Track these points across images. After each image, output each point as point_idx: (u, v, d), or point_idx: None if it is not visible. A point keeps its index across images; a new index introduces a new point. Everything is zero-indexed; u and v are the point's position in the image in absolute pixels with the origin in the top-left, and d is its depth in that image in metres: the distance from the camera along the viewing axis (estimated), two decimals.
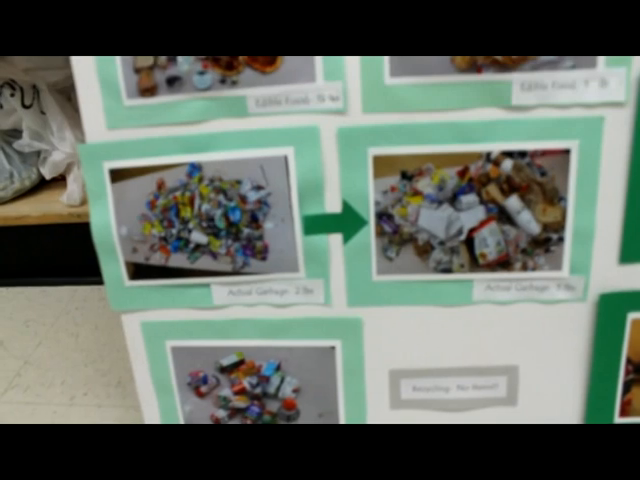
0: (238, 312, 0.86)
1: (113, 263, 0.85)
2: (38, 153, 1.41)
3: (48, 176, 1.40)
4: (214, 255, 0.82)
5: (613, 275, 0.80)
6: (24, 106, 1.35)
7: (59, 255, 1.52)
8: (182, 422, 0.94)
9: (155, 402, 0.94)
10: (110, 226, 0.82)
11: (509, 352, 0.85)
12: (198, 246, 0.82)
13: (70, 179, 1.38)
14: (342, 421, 0.91)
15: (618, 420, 0.88)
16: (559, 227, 0.78)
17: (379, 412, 0.90)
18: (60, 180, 1.42)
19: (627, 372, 0.86)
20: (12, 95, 1.34)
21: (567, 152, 0.74)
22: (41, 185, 1.45)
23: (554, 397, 0.88)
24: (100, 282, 0.87)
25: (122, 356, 0.93)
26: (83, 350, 1.28)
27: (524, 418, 0.89)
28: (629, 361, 0.85)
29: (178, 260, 0.83)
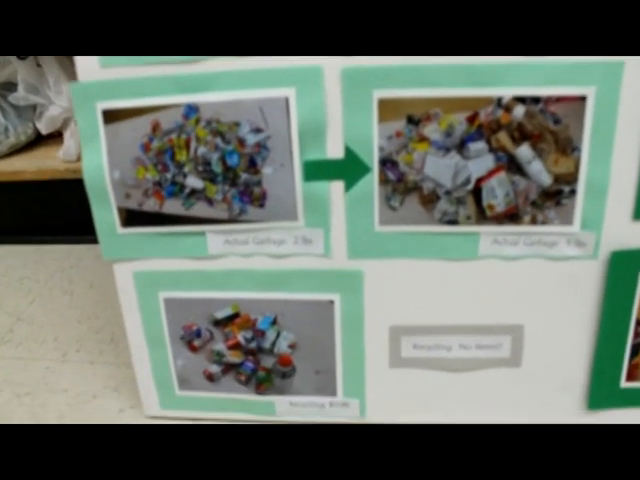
0: (234, 262, 0.83)
1: (105, 209, 0.82)
2: (34, 108, 1.38)
3: (44, 131, 1.37)
4: (210, 201, 0.79)
5: (626, 232, 0.77)
6: (19, 57, 1.31)
7: (55, 213, 1.49)
8: (174, 378, 0.92)
9: (147, 357, 0.91)
10: (102, 170, 0.79)
11: (514, 310, 0.82)
12: (193, 192, 0.79)
13: (67, 134, 1.35)
14: (339, 379, 0.88)
15: (624, 385, 0.86)
16: (571, 179, 0.74)
17: (378, 371, 0.87)
18: (57, 136, 1.39)
19: (636, 334, 0.83)
20: None
21: (583, 99, 0.71)
22: (37, 141, 1.42)
23: (559, 359, 0.85)
24: (97, 240, 0.84)
25: (116, 314, 0.90)
26: (77, 308, 1.26)
27: (528, 380, 0.86)
28: (638, 323, 0.82)
29: (172, 206, 0.80)
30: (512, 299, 0.82)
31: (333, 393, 0.89)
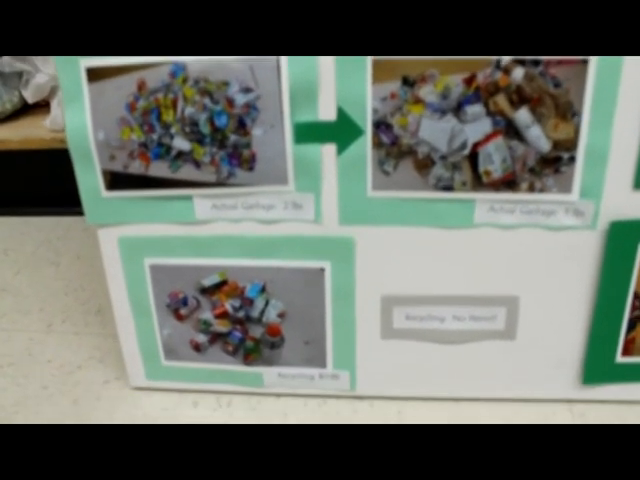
0: (222, 228, 0.80)
1: (89, 172, 0.79)
2: (20, 75, 1.34)
3: (31, 100, 1.34)
4: (197, 164, 0.76)
5: (626, 202, 0.75)
6: None
7: (42, 183, 1.46)
8: (160, 347, 0.90)
9: (132, 326, 0.89)
10: (86, 130, 0.76)
11: (510, 281, 0.80)
12: (180, 154, 0.76)
13: (54, 103, 1.32)
14: (329, 350, 0.86)
15: (620, 359, 0.84)
16: (571, 145, 0.72)
17: (369, 342, 0.85)
18: (44, 106, 1.36)
19: (633, 308, 0.81)
20: None
21: (585, 62, 0.68)
22: (24, 110, 1.38)
23: (555, 332, 0.83)
24: (84, 212, 0.82)
25: (104, 286, 0.87)
26: (63, 279, 1.23)
27: (522, 353, 0.84)
28: (636, 296, 0.80)
29: (159, 169, 0.77)
30: (508, 269, 0.80)
31: (323, 364, 0.87)
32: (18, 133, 1.31)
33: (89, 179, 0.79)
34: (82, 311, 1.14)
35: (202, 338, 0.88)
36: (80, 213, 0.83)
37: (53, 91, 1.32)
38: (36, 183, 1.46)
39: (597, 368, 0.85)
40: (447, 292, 0.81)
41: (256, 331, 0.86)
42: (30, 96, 1.33)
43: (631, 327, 0.82)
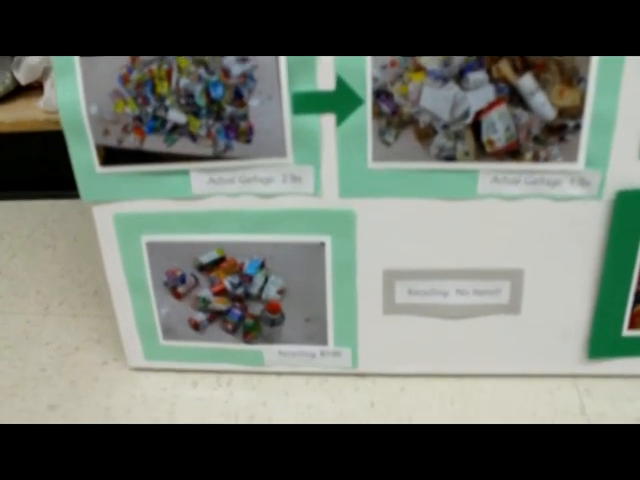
0: (219, 203, 0.79)
1: (83, 147, 0.77)
2: (12, 56, 1.32)
3: (23, 81, 1.31)
4: (193, 137, 0.74)
5: (633, 171, 0.73)
6: None
7: (36, 167, 1.43)
8: (158, 327, 0.88)
9: (130, 305, 0.88)
10: (79, 104, 0.74)
11: (514, 254, 0.79)
12: (176, 127, 0.74)
13: (47, 84, 1.29)
14: (330, 327, 0.84)
15: (626, 333, 0.83)
16: (577, 112, 0.70)
17: (371, 318, 0.84)
18: (37, 88, 1.33)
19: None
20: None
21: None
22: (16, 92, 1.36)
23: (560, 306, 0.82)
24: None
25: (101, 268, 0.86)
26: (60, 262, 1.22)
27: (526, 328, 0.83)
28: None
29: (154, 143, 0.75)
30: (512, 242, 0.78)
31: (324, 342, 0.86)
32: (11, 115, 1.29)
33: (83, 155, 0.77)
34: (79, 293, 1.12)
35: (201, 316, 0.86)
36: (76, 196, 0.81)
37: (46, 72, 1.30)
38: (30, 166, 1.44)
39: (603, 342, 0.83)
40: (450, 266, 0.80)
41: (256, 308, 0.85)
42: (23, 77, 1.31)
43: (638, 300, 0.80)
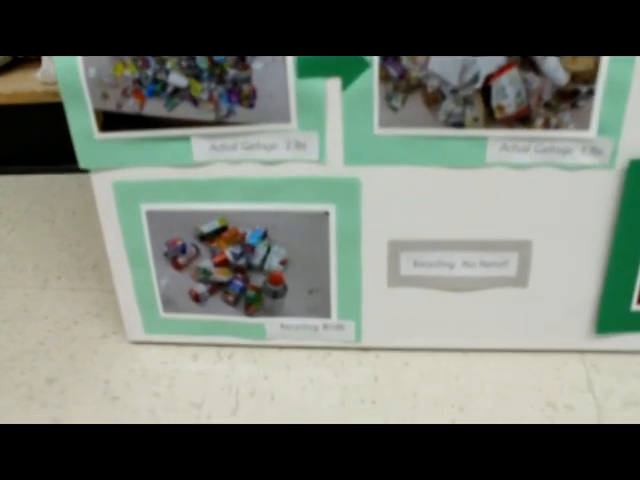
0: (221, 170, 0.77)
1: (81, 112, 0.75)
2: None
3: None
4: (195, 101, 0.72)
5: None
6: None
7: (34, 140, 1.41)
8: (158, 299, 0.86)
9: (129, 277, 0.86)
10: (77, 67, 0.72)
11: (522, 225, 0.77)
12: (177, 90, 0.72)
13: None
14: (334, 299, 0.83)
15: (635, 307, 0.81)
16: (590, 78, 0.68)
17: (375, 290, 0.82)
18: (35, 60, 1.31)
19: None
20: None
21: None
22: (14, 64, 1.34)
23: (568, 278, 0.80)
24: (80, 170, 0.78)
25: (100, 241, 0.84)
26: (58, 236, 1.20)
27: (534, 301, 0.81)
28: None
29: (154, 107, 0.73)
30: (520, 212, 0.76)
31: (327, 314, 0.84)
32: (8, 87, 1.27)
33: (81, 120, 0.75)
34: (78, 267, 1.11)
35: (201, 288, 0.84)
36: (75, 170, 0.79)
37: None
38: (27, 139, 1.42)
39: (611, 316, 0.82)
40: (457, 236, 0.78)
41: (257, 280, 0.83)
42: None
43: None
